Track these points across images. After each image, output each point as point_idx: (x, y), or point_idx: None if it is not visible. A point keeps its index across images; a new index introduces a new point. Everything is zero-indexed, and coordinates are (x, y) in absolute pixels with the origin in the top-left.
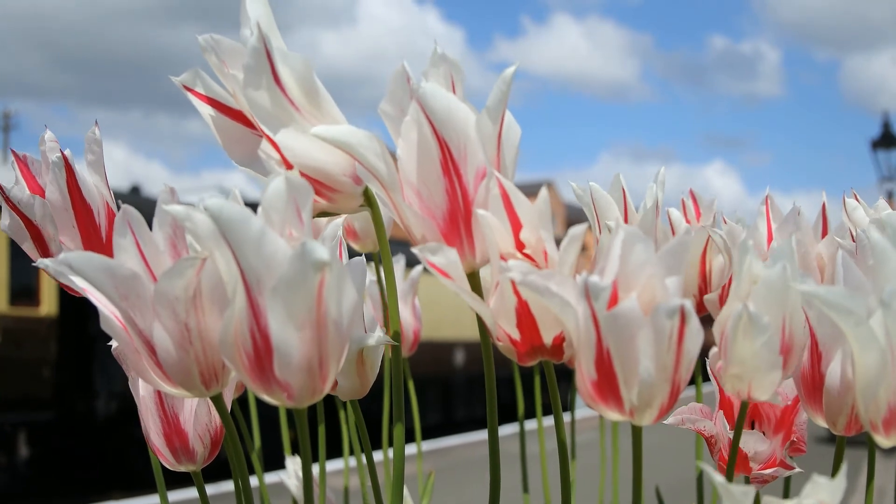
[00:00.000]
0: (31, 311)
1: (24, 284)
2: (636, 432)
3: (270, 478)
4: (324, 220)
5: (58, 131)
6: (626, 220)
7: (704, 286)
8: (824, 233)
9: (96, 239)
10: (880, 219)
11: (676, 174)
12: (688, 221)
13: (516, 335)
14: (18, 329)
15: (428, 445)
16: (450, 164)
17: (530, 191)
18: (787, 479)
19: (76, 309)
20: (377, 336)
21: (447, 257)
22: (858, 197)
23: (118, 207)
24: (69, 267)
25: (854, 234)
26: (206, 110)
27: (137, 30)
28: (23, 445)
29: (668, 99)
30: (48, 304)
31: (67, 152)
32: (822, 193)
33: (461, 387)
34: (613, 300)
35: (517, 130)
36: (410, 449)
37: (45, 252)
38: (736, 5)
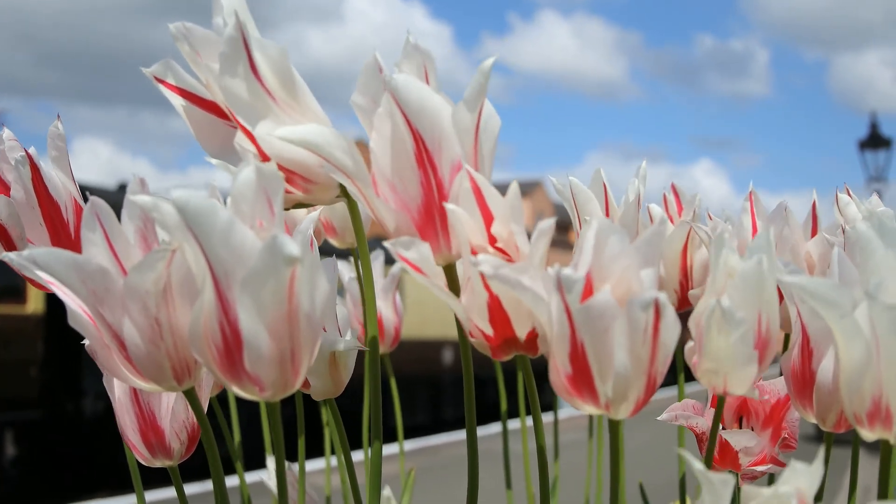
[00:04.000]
0: (18, 309)
1: (11, 282)
2: (614, 426)
3: (254, 476)
4: (301, 212)
5: (44, 129)
6: (607, 215)
7: (686, 281)
8: (814, 231)
9: (65, 235)
10: (870, 214)
11: (665, 174)
12: (669, 217)
13: (489, 330)
14: (5, 327)
15: (415, 444)
16: (424, 156)
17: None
18: (771, 476)
19: (63, 307)
20: (347, 341)
21: (420, 252)
22: (851, 193)
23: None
24: (34, 263)
25: (845, 230)
26: (178, 102)
27: (122, 25)
28: (10, 445)
29: (657, 98)
30: (35, 302)
31: (32, 151)
32: (812, 192)
33: (449, 386)
34: (587, 293)
35: (497, 121)
36: (395, 448)
37: (12, 247)
38: (724, 4)
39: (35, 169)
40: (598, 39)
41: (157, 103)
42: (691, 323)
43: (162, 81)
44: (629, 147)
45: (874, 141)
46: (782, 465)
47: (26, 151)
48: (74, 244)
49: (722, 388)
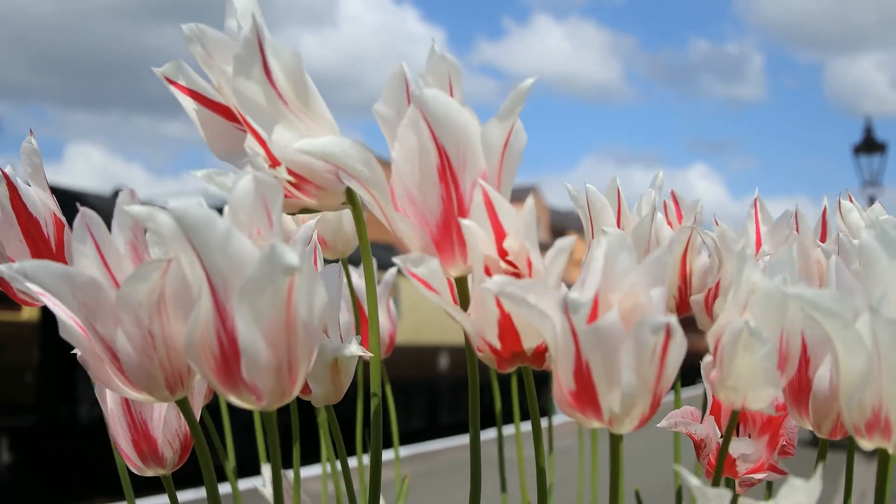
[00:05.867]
0: (13, 315)
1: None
2: (615, 439)
3: (246, 484)
4: (288, 221)
5: (37, 134)
6: (619, 225)
7: (684, 287)
8: (823, 238)
9: (46, 250)
10: (873, 223)
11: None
12: (669, 223)
13: (497, 344)
14: (0, 333)
15: (412, 450)
16: (447, 170)
17: (513, 195)
18: (769, 483)
19: None
20: (353, 348)
21: (430, 268)
22: (853, 199)
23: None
24: (24, 275)
25: (839, 237)
26: (188, 103)
27: (115, 29)
28: (4, 451)
29: (651, 101)
30: (30, 309)
31: (8, 169)
32: (806, 196)
33: (445, 391)
34: (594, 313)
35: (523, 138)
36: (390, 454)
37: None
38: (719, 7)
39: (12, 188)
40: (592, 43)
41: (150, 108)
42: (710, 338)
43: (173, 82)
44: (623, 151)
45: (868, 145)
46: (782, 472)
47: (1, 170)
48: (56, 258)
49: (741, 404)
